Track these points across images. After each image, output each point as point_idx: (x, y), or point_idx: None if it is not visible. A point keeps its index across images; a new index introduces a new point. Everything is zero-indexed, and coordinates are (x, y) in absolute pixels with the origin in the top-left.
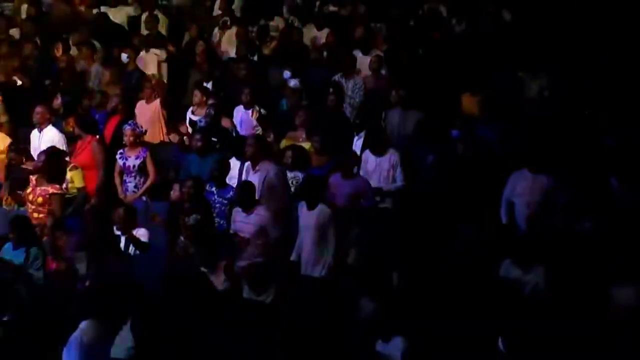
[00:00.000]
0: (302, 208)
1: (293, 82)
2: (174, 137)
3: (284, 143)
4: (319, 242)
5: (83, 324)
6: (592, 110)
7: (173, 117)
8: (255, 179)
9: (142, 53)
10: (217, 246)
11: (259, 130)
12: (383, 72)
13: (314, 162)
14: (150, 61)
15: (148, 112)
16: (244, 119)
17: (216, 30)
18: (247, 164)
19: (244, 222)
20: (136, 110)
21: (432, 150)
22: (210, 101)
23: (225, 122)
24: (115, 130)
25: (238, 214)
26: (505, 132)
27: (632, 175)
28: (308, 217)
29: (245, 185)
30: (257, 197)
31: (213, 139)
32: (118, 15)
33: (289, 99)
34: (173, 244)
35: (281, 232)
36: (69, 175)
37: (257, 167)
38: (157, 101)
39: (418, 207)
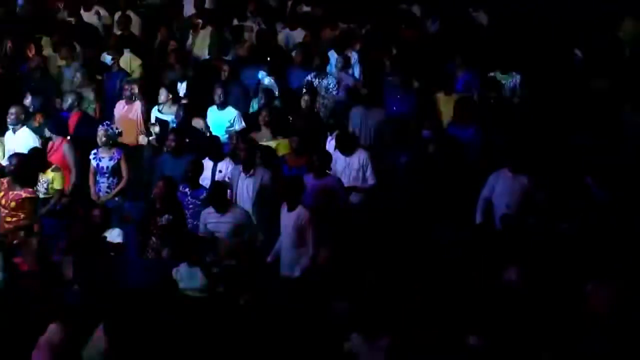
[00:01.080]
0: (283, 209)
1: (267, 81)
2: (143, 139)
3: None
4: (297, 243)
5: (52, 327)
6: (566, 109)
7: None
8: (249, 183)
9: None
10: (189, 246)
11: (233, 131)
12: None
13: (292, 163)
14: (129, 62)
15: (127, 113)
16: (217, 118)
17: (190, 30)
18: (226, 164)
19: (219, 222)
20: (115, 111)
21: (404, 151)
22: (184, 101)
23: (197, 123)
24: (76, 127)
25: (211, 215)
26: (479, 132)
27: (606, 174)
28: (287, 218)
29: (217, 186)
30: (252, 201)
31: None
32: (90, 16)
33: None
34: (145, 244)
35: (266, 236)
36: (50, 175)
37: (251, 172)
38: (138, 103)
39: (391, 208)
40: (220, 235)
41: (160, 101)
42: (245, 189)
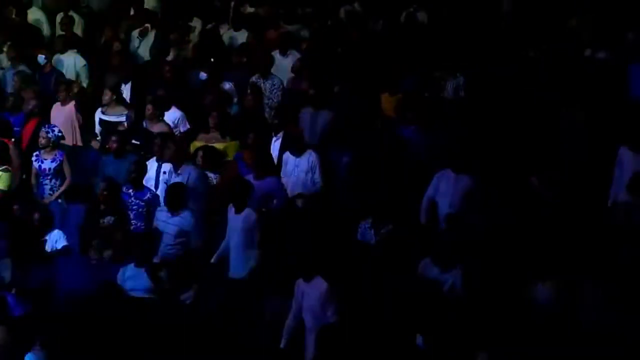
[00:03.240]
0: (230, 211)
1: (227, 86)
2: (95, 144)
3: (195, 145)
4: (245, 245)
5: None
6: (512, 108)
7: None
8: (177, 181)
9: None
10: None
11: (178, 132)
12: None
13: (247, 159)
14: (69, 63)
15: (62, 115)
16: None
17: (134, 32)
18: (168, 165)
19: (167, 223)
20: (51, 113)
21: (347, 151)
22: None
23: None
24: (34, 133)
25: (162, 213)
26: (423, 132)
27: (553, 174)
28: (235, 221)
29: (173, 187)
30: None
31: (135, 141)
32: (31, 15)
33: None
34: (87, 246)
35: (202, 237)
36: None
37: (179, 170)
38: (72, 103)
39: (333, 208)
40: (167, 235)
41: (104, 102)
42: None
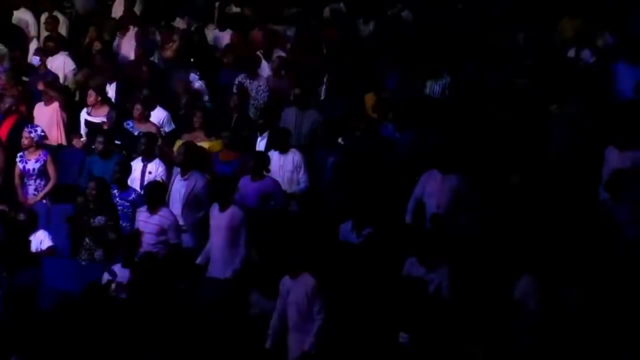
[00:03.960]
0: (214, 209)
1: (198, 84)
2: (78, 143)
3: (178, 144)
4: (230, 244)
5: None
6: (496, 109)
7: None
8: (182, 186)
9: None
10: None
11: (163, 132)
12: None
13: (223, 157)
14: (59, 64)
15: (46, 115)
16: None
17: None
18: (155, 166)
19: (146, 222)
20: (34, 112)
21: (333, 151)
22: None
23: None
24: (11, 131)
25: (142, 213)
26: (408, 132)
27: (532, 174)
28: (219, 219)
29: (152, 186)
30: (182, 204)
31: (117, 142)
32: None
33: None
34: (77, 245)
35: (196, 242)
36: None
37: (186, 175)
38: (56, 104)
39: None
40: (148, 235)
41: (89, 103)
42: (177, 192)
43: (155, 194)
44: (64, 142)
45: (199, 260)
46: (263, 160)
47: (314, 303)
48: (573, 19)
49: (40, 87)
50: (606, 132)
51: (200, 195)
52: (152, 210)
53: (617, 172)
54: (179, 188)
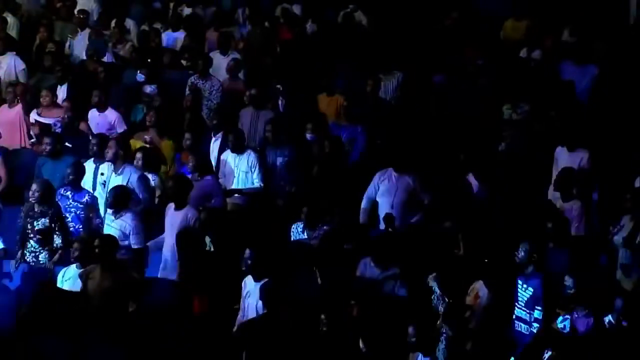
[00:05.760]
0: (170, 208)
1: (149, 89)
2: (38, 148)
3: (134, 144)
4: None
5: None
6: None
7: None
8: (117, 182)
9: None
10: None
11: (115, 133)
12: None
13: (185, 159)
14: (9, 65)
15: (9, 117)
16: (98, 121)
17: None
18: (108, 167)
19: (109, 225)
20: None
21: (283, 151)
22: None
23: (81, 125)
24: None
25: (107, 216)
26: (362, 132)
27: (488, 172)
28: (174, 217)
29: (118, 188)
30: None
31: (68, 144)
32: None
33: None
34: (23, 248)
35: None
36: None
37: (119, 170)
38: (19, 106)
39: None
40: None
41: (44, 104)
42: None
43: (118, 198)
44: (27, 145)
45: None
46: (204, 159)
47: None
48: (519, 20)
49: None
50: (556, 132)
51: (136, 187)
52: (115, 213)
53: (566, 171)
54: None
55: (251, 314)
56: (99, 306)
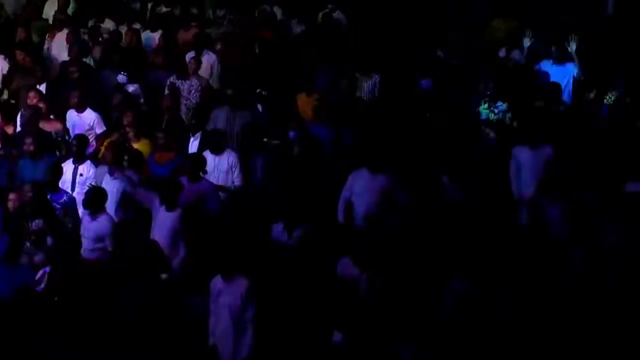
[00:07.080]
0: (161, 208)
1: (132, 88)
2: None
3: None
4: (171, 245)
5: None
6: (430, 110)
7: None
8: (113, 185)
9: None
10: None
11: (93, 134)
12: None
13: (158, 159)
14: None
15: None
16: (76, 122)
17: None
18: (87, 167)
19: (86, 227)
20: None
21: (263, 152)
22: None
23: (57, 125)
24: None
25: (85, 216)
26: (340, 131)
27: (462, 173)
28: (164, 219)
29: (92, 190)
30: (115, 204)
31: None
32: None
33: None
34: (16, 249)
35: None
36: None
37: (115, 175)
38: None
39: (250, 208)
40: (86, 239)
41: (30, 104)
42: (109, 192)
43: (95, 199)
44: None
45: None
46: (199, 162)
47: (248, 307)
48: (507, 20)
49: None
50: (519, 130)
51: (132, 193)
52: (92, 215)
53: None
54: (110, 188)
55: (223, 313)
56: None
